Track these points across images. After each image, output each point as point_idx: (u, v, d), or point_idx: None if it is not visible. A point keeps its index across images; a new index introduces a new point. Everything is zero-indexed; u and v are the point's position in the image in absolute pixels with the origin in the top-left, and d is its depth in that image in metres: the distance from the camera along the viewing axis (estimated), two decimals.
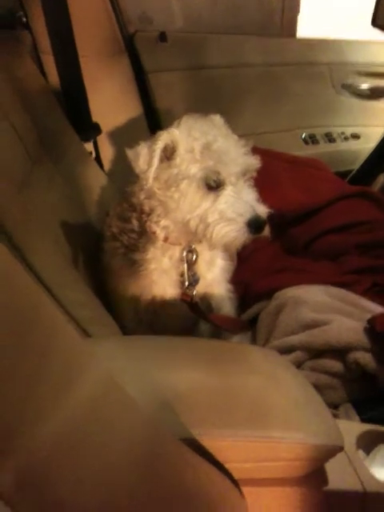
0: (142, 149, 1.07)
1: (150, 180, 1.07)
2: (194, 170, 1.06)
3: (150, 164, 1.06)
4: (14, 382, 0.39)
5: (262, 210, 1.07)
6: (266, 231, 1.07)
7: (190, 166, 1.06)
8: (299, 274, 1.48)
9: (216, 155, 1.06)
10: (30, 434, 0.39)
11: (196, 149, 1.06)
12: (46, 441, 0.40)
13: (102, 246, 1.28)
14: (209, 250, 1.23)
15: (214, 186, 1.06)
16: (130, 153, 1.08)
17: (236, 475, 0.69)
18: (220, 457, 0.66)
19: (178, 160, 1.07)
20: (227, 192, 1.06)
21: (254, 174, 1.12)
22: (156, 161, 1.06)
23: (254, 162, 1.11)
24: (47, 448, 0.40)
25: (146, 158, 1.06)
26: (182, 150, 1.07)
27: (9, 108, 1.23)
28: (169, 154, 1.08)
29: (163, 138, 1.07)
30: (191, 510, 0.54)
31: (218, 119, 1.20)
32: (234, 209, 1.05)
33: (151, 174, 1.06)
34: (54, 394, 0.43)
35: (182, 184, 1.07)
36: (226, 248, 1.19)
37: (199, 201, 1.07)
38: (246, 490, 0.71)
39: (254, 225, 1.05)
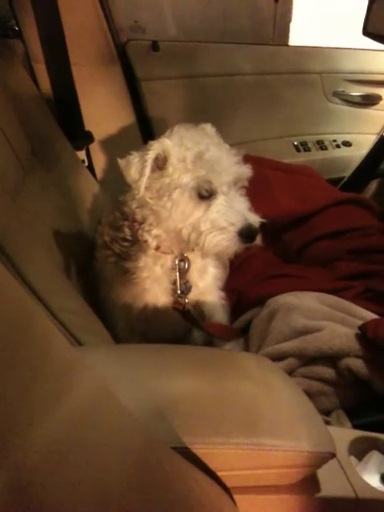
0: (134, 159, 1.07)
1: (142, 189, 1.07)
2: (186, 179, 1.06)
3: (141, 174, 1.06)
4: (8, 387, 0.39)
5: (254, 219, 1.07)
6: (258, 240, 1.08)
7: (182, 175, 1.06)
8: (292, 281, 1.48)
9: (208, 164, 1.06)
10: (23, 439, 0.39)
11: (188, 158, 1.06)
12: (39, 446, 0.40)
13: (94, 254, 1.28)
14: (201, 259, 1.23)
15: (206, 195, 1.06)
16: (121, 162, 1.09)
17: (228, 483, 0.69)
18: (212, 464, 0.66)
19: (170, 169, 1.07)
20: (219, 201, 1.07)
21: (246, 183, 1.13)
22: (148, 170, 1.06)
23: (246, 170, 1.12)
24: (40, 453, 0.40)
25: (137, 167, 1.06)
26: (173, 160, 1.07)
27: (0, 117, 1.23)
28: (160, 163, 1.08)
29: (155, 148, 1.07)
30: None
31: (209, 128, 1.20)
32: (226, 218, 1.06)
33: (143, 183, 1.06)
34: (48, 400, 0.43)
35: (174, 193, 1.07)
36: (218, 257, 1.19)
37: (191, 210, 1.07)
38: (238, 497, 0.71)
39: (246, 234, 1.06)
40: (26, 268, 0.92)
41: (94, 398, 0.50)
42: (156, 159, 1.08)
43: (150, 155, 1.06)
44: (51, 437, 0.42)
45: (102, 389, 0.52)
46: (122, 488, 0.46)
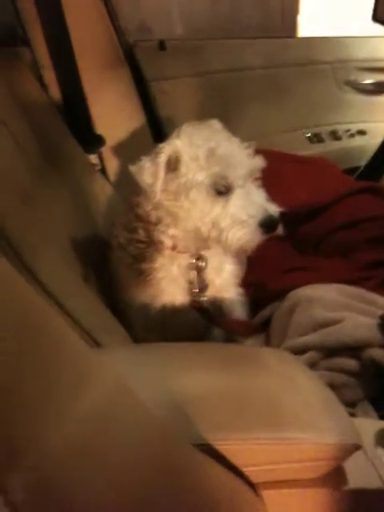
0: (146, 163, 1.07)
1: (158, 193, 1.07)
2: (202, 177, 1.06)
3: (156, 177, 1.06)
4: (25, 388, 0.40)
5: (274, 209, 1.07)
6: (280, 229, 1.08)
7: (196, 173, 1.06)
8: (311, 273, 1.47)
9: (222, 160, 1.06)
10: (41, 438, 0.39)
11: (201, 156, 1.06)
12: (57, 446, 0.40)
13: (109, 255, 1.28)
14: (223, 254, 1.23)
15: (223, 190, 1.06)
16: (133, 169, 1.08)
17: (253, 478, 0.69)
18: (235, 460, 0.66)
19: (183, 169, 1.07)
20: (237, 195, 1.06)
21: (259, 174, 1.12)
22: (162, 174, 1.05)
23: (259, 162, 1.12)
24: (58, 453, 0.40)
25: (150, 172, 1.06)
26: (186, 159, 1.07)
27: (11, 124, 1.24)
28: (172, 165, 1.08)
29: (165, 150, 1.07)
30: None
31: (216, 124, 1.19)
32: (246, 211, 1.06)
33: (158, 187, 1.06)
34: (66, 399, 0.44)
35: (191, 193, 1.07)
36: (240, 251, 1.18)
37: (210, 207, 1.07)
38: (264, 493, 0.71)
39: (267, 224, 1.05)
40: (39, 270, 0.92)
41: (111, 395, 0.50)
42: (168, 161, 1.07)
43: (162, 158, 1.06)
44: (69, 437, 0.42)
45: (119, 386, 0.52)
46: (141, 484, 0.46)
